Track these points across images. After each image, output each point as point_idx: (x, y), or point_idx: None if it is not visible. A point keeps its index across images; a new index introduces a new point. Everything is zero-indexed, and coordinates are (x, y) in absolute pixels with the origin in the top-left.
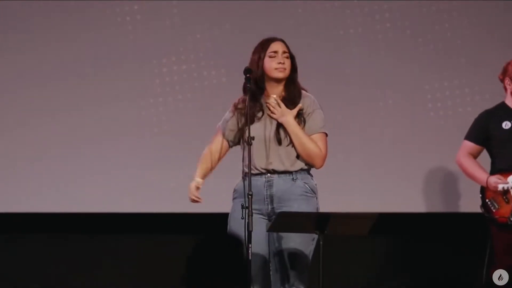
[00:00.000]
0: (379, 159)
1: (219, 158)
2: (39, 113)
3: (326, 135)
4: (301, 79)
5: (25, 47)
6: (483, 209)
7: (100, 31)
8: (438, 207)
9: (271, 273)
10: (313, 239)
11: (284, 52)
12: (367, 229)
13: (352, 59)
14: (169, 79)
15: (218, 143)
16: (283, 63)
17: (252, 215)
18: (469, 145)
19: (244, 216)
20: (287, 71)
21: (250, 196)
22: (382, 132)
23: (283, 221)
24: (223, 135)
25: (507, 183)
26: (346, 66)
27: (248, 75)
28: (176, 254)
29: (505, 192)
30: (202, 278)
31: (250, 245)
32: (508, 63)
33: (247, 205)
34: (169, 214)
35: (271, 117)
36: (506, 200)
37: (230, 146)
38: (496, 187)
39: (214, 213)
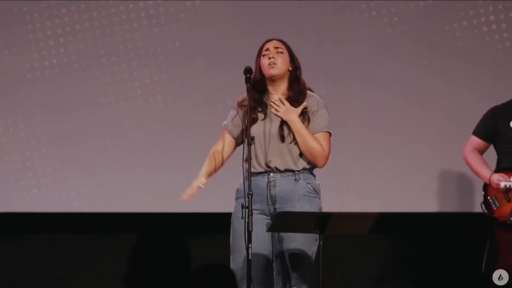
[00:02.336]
0: (379, 159)
1: (225, 157)
2: (39, 113)
3: (330, 134)
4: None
5: (26, 47)
6: (483, 207)
7: (100, 29)
8: (438, 207)
9: (274, 273)
10: (316, 240)
11: (276, 48)
12: (367, 229)
13: (353, 58)
14: (167, 77)
15: (223, 141)
16: (274, 58)
17: (252, 215)
18: (476, 140)
19: (244, 216)
20: (280, 66)
21: (250, 196)
22: (382, 132)
23: (283, 221)
24: (229, 132)
25: (510, 181)
26: (346, 66)
27: (248, 75)
28: (176, 254)
29: (507, 190)
30: (202, 278)
31: (250, 245)
32: None
33: (247, 205)
34: (170, 214)
35: (276, 115)
36: (508, 198)
37: (237, 144)
38: (498, 185)
39: (215, 212)
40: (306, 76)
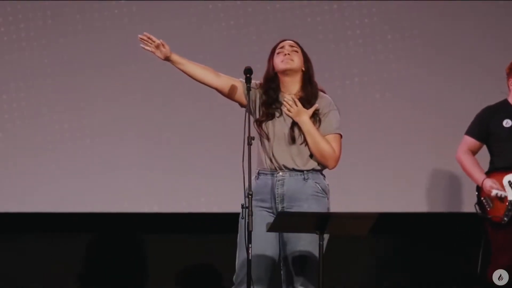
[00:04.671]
0: (379, 159)
1: (205, 78)
2: (40, 113)
3: (341, 136)
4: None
5: (27, 46)
6: (477, 207)
7: (102, 30)
8: (438, 207)
9: (281, 272)
10: (324, 238)
11: (291, 46)
12: (367, 229)
13: (353, 59)
14: (168, 77)
15: (224, 77)
16: (289, 54)
17: (252, 215)
18: (470, 140)
19: (244, 216)
20: (295, 63)
21: (250, 196)
22: (382, 132)
23: (283, 221)
24: (237, 83)
25: (503, 190)
26: (346, 66)
27: (248, 75)
28: (177, 253)
29: (498, 198)
30: (203, 277)
31: (250, 245)
32: None
33: (247, 205)
34: (170, 214)
35: (288, 115)
36: (501, 199)
37: (226, 92)
38: (490, 192)
39: (215, 213)
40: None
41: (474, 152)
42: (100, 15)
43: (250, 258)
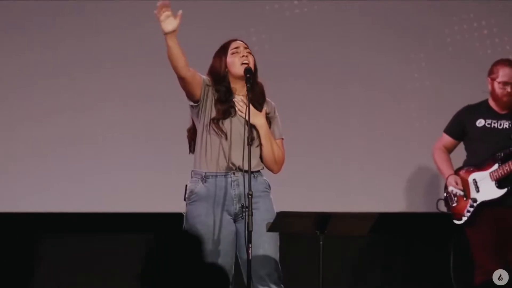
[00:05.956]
0: (379, 159)
1: (181, 62)
2: (39, 113)
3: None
4: (302, 79)
5: (27, 47)
6: (437, 204)
7: (103, 31)
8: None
9: (244, 276)
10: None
11: (246, 48)
12: (367, 229)
13: (352, 58)
14: (169, 78)
15: (194, 72)
16: (247, 57)
17: (252, 215)
18: (446, 138)
19: (244, 216)
20: (252, 66)
21: (250, 196)
22: (382, 132)
23: (283, 221)
24: (200, 76)
25: (460, 189)
26: (345, 66)
27: (248, 75)
28: (176, 253)
29: (453, 195)
30: (201, 277)
31: (250, 245)
32: (494, 63)
33: (247, 205)
34: (170, 214)
35: (241, 116)
36: (465, 197)
37: (186, 81)
38: (448, 187)
39: None
40: (306, 76)
41: (449, 149)
42: (102, 14)
43: (250, 258)
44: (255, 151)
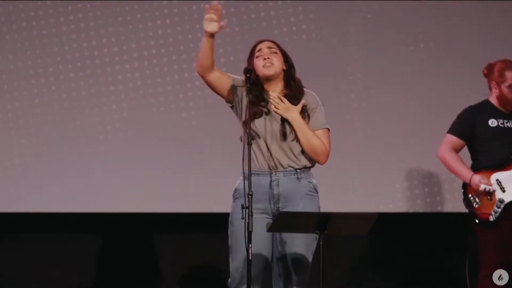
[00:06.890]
0: (379, 159)
1: (209, 64)
2: (40, 113)
3: (329, 130)
4: (302, 79)
5: (27, 46)
6: (466, 203)
7: (104, 29)
8: (438, 207)
9: (272, 274)
10: (316, 238)
11: (269, 48)
12: (367, 229)
13: (352, 58)
14: (170, 78)
15: (221, 72)
16: (269, 58)
17: (252, 215)
18: (454, 139)
19: (244, 216)
20: (276, 67)
21: (250, 196)
22: (382, 132)
23: (283, 221)
24: (229, 77)
25: (490, 185)
26: (345, 65)
27: (248, 75)
28: (177, 253)
29: (486, 193)
30: (202, 278)
31: (250, 245)
32: (494, 65)
33: (247, 205)
34: (170, 214)
35: (276, 113)
36: (489, 198)
37: (211, 83)
38: (478, 186)
39: (215, 213)
40: (305, 76)
41: (457, 151)
42: (103, 13)
43: (250, 258)
44: (293, 146)
